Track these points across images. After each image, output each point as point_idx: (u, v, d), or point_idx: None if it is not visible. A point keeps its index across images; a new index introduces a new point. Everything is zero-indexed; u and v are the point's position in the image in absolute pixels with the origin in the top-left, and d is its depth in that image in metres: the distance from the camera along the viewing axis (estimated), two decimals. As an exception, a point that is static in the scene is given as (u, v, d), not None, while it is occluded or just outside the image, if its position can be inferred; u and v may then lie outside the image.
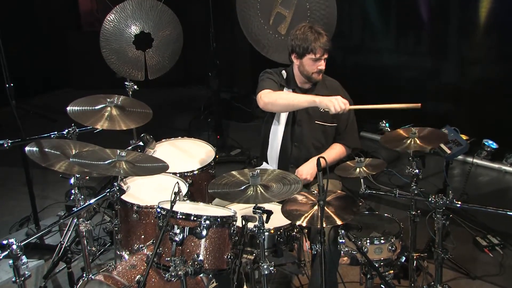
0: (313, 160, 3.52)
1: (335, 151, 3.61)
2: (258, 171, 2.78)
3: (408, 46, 6.14)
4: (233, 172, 2.91)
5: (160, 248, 2.79)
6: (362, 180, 3.04)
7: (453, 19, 5.69)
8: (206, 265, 2.77)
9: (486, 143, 5.14)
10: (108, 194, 2.83)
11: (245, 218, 2.82)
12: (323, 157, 2.66)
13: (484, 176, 5.24)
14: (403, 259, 3.22)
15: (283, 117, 3.60)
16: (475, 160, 5.17)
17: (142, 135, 3.62)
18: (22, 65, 6.84)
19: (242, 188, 2.77)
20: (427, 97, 5.92)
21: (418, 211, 3.24)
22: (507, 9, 5.19)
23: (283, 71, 3.65)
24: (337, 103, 3.22)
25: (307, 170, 3.49)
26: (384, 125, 5.90)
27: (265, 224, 2.74)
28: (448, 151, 4.07)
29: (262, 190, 2.73)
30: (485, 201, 4.80)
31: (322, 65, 3.47)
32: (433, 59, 5.91)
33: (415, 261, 3.35)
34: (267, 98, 3.44)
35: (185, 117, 6.82)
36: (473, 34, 5.58)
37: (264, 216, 2.69)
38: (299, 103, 3.37)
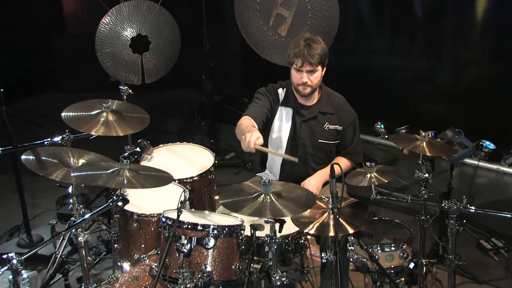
0: (319, 174, 3.45)
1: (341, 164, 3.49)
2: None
3: (403, 47, 6.09)
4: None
5: (167, 260, 2.69)
6: (373, 186, 2.94)
7: (449, 19, 5.65)
8: (215, 276, 2.68)
9: (483, 144, 5.08)
10: (111, 204, 2.71)
11: (254, 227, 2.73)
12: (338, 164, 2.57)
13: (482, 178, 5.20)
14: (412, 265, 3.15)
15: (284, 133, 3.51)
16: (472, 161, 5.11)
17: (139, 140, 3.51)
18: (4, 69, 6.66)
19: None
20: (423, 98, 5.88)
21: (428, 216, 3.17)
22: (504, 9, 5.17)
23: (280, 90, 3.52)
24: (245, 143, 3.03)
25: (313, 184, 3.40)
26: (379, 126, 5.89)
27: (278, 234, 2.65)
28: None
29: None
30: (485, 203, 4.74)
31: (304, 77, 3.29)
32: (428, 60, 5.86)
33: (424, 267, 3.27)
34: (237, 125, 3.34)
35: (176, 120, 6.69)
36: (468, 34, 5.55)
37: (277, 225, 2.60)
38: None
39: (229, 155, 5.80)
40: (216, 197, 3.92)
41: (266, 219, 2.61)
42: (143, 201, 3.35)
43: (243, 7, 4.21)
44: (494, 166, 5.28)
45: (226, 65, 7.32)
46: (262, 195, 2.56)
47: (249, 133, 3.02)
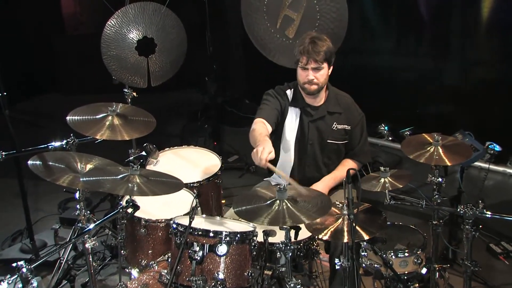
0: (324, 180, 3.42)
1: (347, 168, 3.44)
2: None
3: (408, 47, 6.05)
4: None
5: (178, 267, 2.63)
6: (387, 191, 2.89)
7: (455, 19, 5.61)
8: (228, 284, 2.63)
9: (489, 146, 5.04)
10: (121, 210, 2.65)
11: (266, 233, 2.68)
12: (354, 169, 2.53)
13: (488, 180, 5.11)
14: (424, 270, 3.10)
15: (292, 134, 3.47)
16: (478, 164, 5.07)
17: (145, 144, 3.46)
18: (5, 72, 6.59)
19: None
20: (428, 99, 5.84)
21: (441, 221, 3.13)
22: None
23: (288, 91, 3.48)
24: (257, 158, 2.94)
25: (320, 189, 3.33)
26: (383, 128, 5.83)
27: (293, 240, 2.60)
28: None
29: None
30: (492, 206, 4.67)
31: (310, 75, 3.26)
32: (433, 61, 5.82)
33: (437, 273, 3.23)
34: (251, 130, 3.26)
35: (178, 122, 6.62)
36: (475, 34, 5.51)
37: (292, 232, 2.55)
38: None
39: (232, 157, 5.74)
40: (223, 201, 3.88)
41: (280, 226, 2.55)
42: (150, 206, 3.29)
43: (250, 8, 4.14)
44: (501, 168, 5.25)
45: (229, 67, 7.27)
46: (277, 201, 2.50)
47: (261, 146, 2.93)
